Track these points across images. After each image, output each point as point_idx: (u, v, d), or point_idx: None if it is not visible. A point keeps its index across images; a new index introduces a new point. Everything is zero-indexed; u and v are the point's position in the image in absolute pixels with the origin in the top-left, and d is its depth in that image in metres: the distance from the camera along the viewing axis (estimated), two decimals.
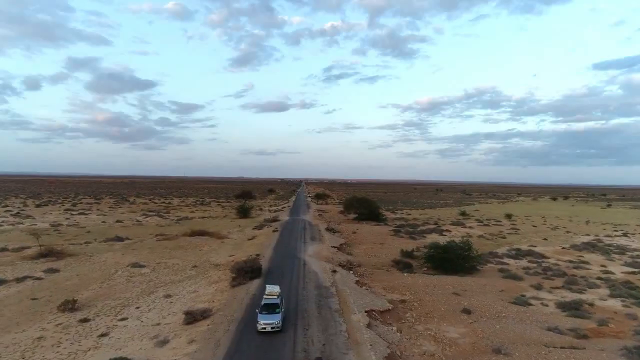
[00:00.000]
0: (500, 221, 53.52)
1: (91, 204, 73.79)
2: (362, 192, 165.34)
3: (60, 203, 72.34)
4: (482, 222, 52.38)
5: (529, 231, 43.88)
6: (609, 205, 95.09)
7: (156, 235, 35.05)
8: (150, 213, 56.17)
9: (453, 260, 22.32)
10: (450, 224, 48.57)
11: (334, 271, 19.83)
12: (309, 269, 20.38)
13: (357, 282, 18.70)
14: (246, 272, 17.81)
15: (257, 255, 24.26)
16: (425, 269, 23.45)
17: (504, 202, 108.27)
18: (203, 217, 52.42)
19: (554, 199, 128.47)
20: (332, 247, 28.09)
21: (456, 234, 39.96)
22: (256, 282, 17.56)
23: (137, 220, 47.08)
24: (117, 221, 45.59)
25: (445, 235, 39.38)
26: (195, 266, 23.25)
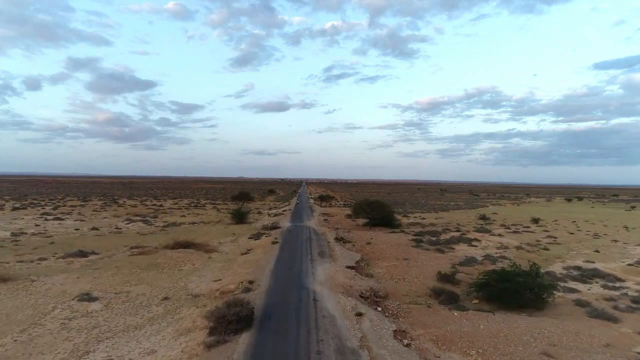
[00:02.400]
0: (529, 227, 47.43)
1: (75, 206, 67.80)
2: (366, 192, 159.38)
3: (41, 206, 66.36)
4: (508, 228, 46.33)
5: (569, 240, 37.79)
6: (632, 208, 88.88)
7: (131, 248, 29.05)
8: (136, 218, 50.16)
9: (518, 291, 16.23)
10: (475, 231, 42.50)
11: (359, 314, 13.77)
12: (323, 309, 14.29)
13: (395, 333, 12.66)
14: (230, 321, 11.77)
15: (250, 283, 18.21)
16: (476, 301, 17.38)
17: (518, 204, 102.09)
18: (193, 223, 46.37)
19: (569, 199, 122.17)
20: (347, 267, 22.04)
21: (488, 245, 33.97)
22: (244, 340, 11.50)
23: (117, 227, 41.05)
24: (93, 228, 39.57)
25: (475, 245, 33.37)
26: (166, 298, 17.23)
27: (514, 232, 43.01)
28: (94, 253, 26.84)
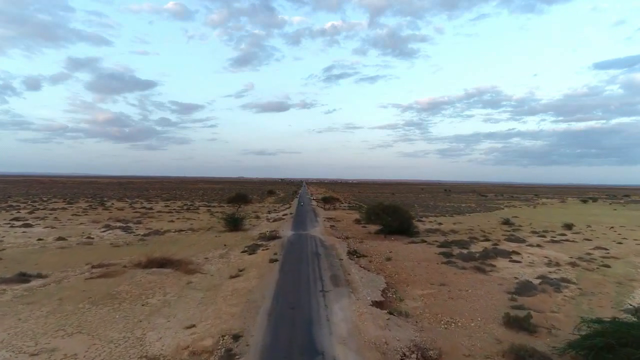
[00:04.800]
0: (565, 234, 41.42)
1: (56, 209, 61.86)
2: (369, 193, 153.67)
3: (18, 209, 60.42)
4: (542, 236, 40.31)
5: (624, 252, 31.77)
6: None
7: (92, 267, 23.08)
8: (116, 224, 44.19)
9: None
10: (506, 240, 36.52)
11: None
12: None
13: None
14: None
15: (236, 338, 12.18)
16: None
17: (534, 206, 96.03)
18: (180, 230, 40.36)
19: (584, 201, 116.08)
20: (373, 302, 16.02)
21: (532, 260, 27.96)
22: None
23: (89, 237, 35.06)
24: (60, 239, 33.56)
25: (518, 261, 27.36)
26: None
27: (552, 241, 37.00)
28: (39, 276, 20.83)
